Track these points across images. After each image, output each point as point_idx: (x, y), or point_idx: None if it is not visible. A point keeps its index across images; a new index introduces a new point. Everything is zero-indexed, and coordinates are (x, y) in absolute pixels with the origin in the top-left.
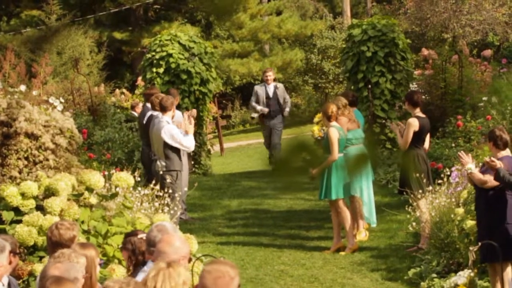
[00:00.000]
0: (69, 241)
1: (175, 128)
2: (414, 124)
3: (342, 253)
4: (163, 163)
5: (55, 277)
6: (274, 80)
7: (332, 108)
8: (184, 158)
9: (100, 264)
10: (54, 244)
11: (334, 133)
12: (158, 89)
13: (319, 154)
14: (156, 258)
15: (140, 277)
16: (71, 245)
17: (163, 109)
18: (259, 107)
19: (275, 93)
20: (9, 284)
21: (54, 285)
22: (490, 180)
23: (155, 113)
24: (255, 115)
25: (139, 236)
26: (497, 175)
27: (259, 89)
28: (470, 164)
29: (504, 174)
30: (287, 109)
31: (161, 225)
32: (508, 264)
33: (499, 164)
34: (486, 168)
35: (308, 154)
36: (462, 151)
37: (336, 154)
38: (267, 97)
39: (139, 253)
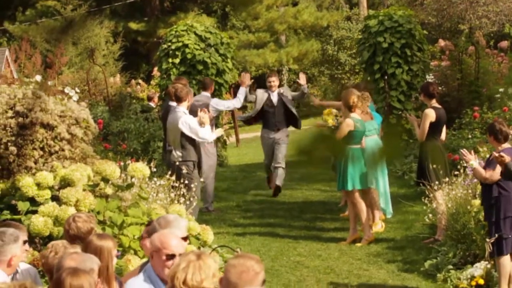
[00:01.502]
0: (87, 234)
1: (192, 119)
2: (430, 115)
3: (358, 244)
4: (179, 153)
5: (72, 268)
6: (279, 86)
7: (354, 98)
8: (210, 148)
9: (117, 256)
10: (72, 237)
11: (348, 124)
12: (186, 80)
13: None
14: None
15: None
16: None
17: (178, 99)
18: (250, 96)
19: (280, 101)
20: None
21: (71, 277)
22: (491, 175)
23: (173, 104)
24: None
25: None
26: (507, 169)
27: (260, 93)
28: (473, 161)
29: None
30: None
31: (162, 219)
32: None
33: (508, 158)
34: (489, 163)
35: (330, 145)
36: (464, 149)
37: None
38: (271, 105)
39: None
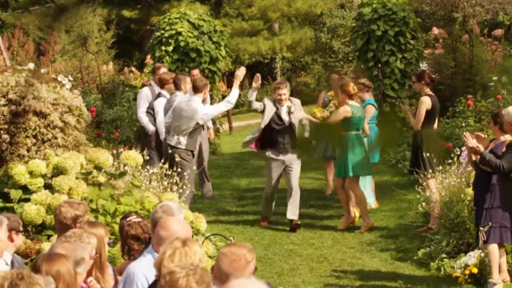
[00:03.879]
0: (74, 220)
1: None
2: (427, 102)
3: (357, 231)
4: (184, 141)
5: (47, 253)
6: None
7: (353, 86)
8: (204, 134)
9: (109, 244)
10: (60, 223)
11: (345, 110)
12: (172, 74)
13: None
14: (154, 243)
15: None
16: (77, 224)
17: (196, 89)
18: (256, 104)
19: (290, 118)
20: (12, 262)
21: (46, 263)
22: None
23: (163, 91)
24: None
25: (127, 219)
26: (483, 159)
27: (269, 105)
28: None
29: (490, 158)
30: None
31: (166, 206)
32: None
33: (482, 148)
34: (492, 150)
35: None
36: (467, 132)
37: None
38: (279, 122)
39: (127, 236)
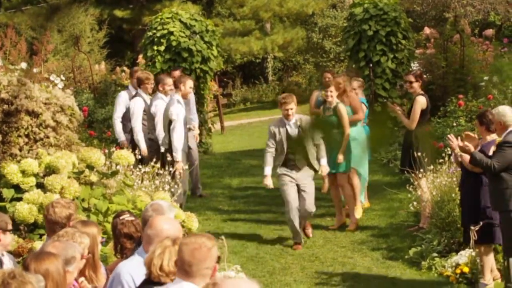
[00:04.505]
0: (65, 220)
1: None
2: (422, 101)
3: (348, 230)
4: (166, 141)
5: (36, 252)
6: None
7: (348, 83)
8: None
9: (101, 242)
10: (50, 222)
11: (344, 109)
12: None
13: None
14: (144, 243)
15: (129, 262)
16: (68, 223)
17: (176, 86)
18: (267, 169)
19: (297, 132)
20: (0, 261)
21: (34, 262)
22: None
23: (140, 91)
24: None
25: (121, 218)
26: (473, 158)
27: (275, 128)
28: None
29: (481, 157)
30: (323, 160)
31: (156, 204)
32: (490, 248)
33: (472, 148)
34: (481, 150)
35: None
36: (451, 134)
37: (348, 128)
38: (288, 137)
39: (120, 235)
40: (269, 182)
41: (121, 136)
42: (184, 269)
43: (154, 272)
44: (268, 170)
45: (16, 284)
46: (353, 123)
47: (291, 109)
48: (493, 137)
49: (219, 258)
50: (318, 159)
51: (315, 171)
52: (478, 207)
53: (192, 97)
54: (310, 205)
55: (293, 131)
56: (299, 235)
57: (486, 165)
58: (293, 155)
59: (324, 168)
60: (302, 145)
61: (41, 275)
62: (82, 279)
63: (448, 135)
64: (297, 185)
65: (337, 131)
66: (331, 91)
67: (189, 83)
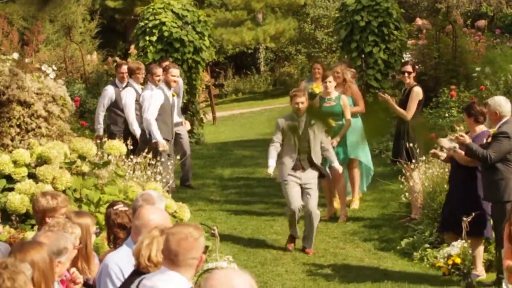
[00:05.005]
0: (53, 211)
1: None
2: (420, 92)
3: (339, 222)
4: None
5: (20, 243)
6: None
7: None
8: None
9: (95, 233)
10: (38, 213)
11: (347, 100)
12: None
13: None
14: (132, 233)
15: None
16: (56, 214)
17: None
18: (271, 161)
19: (306, 128)
20: None
21: (18, 252)
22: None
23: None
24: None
25: (114, 208)
26: (469, 150)
27: (284, 122)
28: (454, 143)
29: (477, 148)
30: (335, 164)
31: (147, 194)
32: (480, 239)
33: (467, 138)
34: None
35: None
36: (441, 138)
37: (350, 119)
38: (295, 132)
39: (113, 225)
40: (271, 171)
41: (100, 130)
42: (170, 258)
43: (143, 262)
44: (272, 162)
45: (8, 274)
46: (353, 115)
47: (302, 102)
48: (481, 128)
49: (206, 248)
50: (329, 165)
51: (321, 175)
52: (468, 200)
53: (181, 86)
54: (313, 207)
55: (301, 126)
56: (294, 233)
57: (482, 156)
58: (299, 154)
59: (338, 167)
60: (306, 140)
61: None
62: (73, 269)
63: (439, 140)
64: (301, 186)
65: (338, 122)
66: (329, 81)
67: (172, 72)
